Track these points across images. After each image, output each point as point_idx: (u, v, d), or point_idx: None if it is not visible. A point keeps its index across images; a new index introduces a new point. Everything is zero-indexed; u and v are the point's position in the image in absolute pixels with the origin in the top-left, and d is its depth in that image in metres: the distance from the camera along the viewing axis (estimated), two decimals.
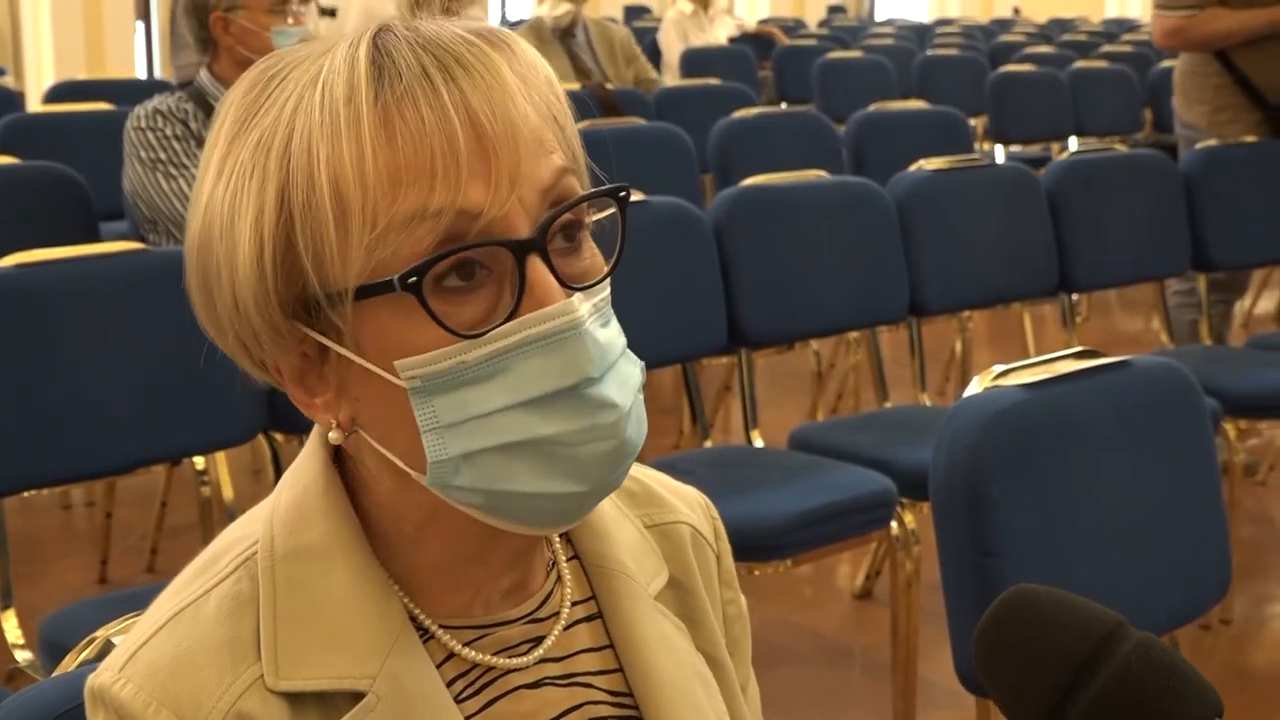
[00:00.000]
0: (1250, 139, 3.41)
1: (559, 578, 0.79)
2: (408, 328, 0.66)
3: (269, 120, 0.68)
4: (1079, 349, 1.61)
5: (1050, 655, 0.66)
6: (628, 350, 0.72)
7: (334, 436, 0.72)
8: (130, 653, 0.70)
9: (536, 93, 0.69)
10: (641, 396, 0.73)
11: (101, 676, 0.70)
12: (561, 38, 4.69)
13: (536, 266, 0.67)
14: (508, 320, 0.67)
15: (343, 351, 0.69)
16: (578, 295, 0.68)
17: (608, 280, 0.72)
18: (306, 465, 0.75)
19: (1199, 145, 3.39)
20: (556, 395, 0.67)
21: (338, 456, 0.75)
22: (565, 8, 4.66)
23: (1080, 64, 5.98)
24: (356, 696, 0.69)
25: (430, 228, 0.65)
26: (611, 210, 0.73)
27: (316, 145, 0.66)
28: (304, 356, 0.71)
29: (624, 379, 0.70)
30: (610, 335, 0.70)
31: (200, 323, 0.72)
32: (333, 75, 0.67)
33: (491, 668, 0.75)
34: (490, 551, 0.74)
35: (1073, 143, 5.38)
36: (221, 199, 0.69)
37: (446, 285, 0.66)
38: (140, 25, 8.22)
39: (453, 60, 0.67)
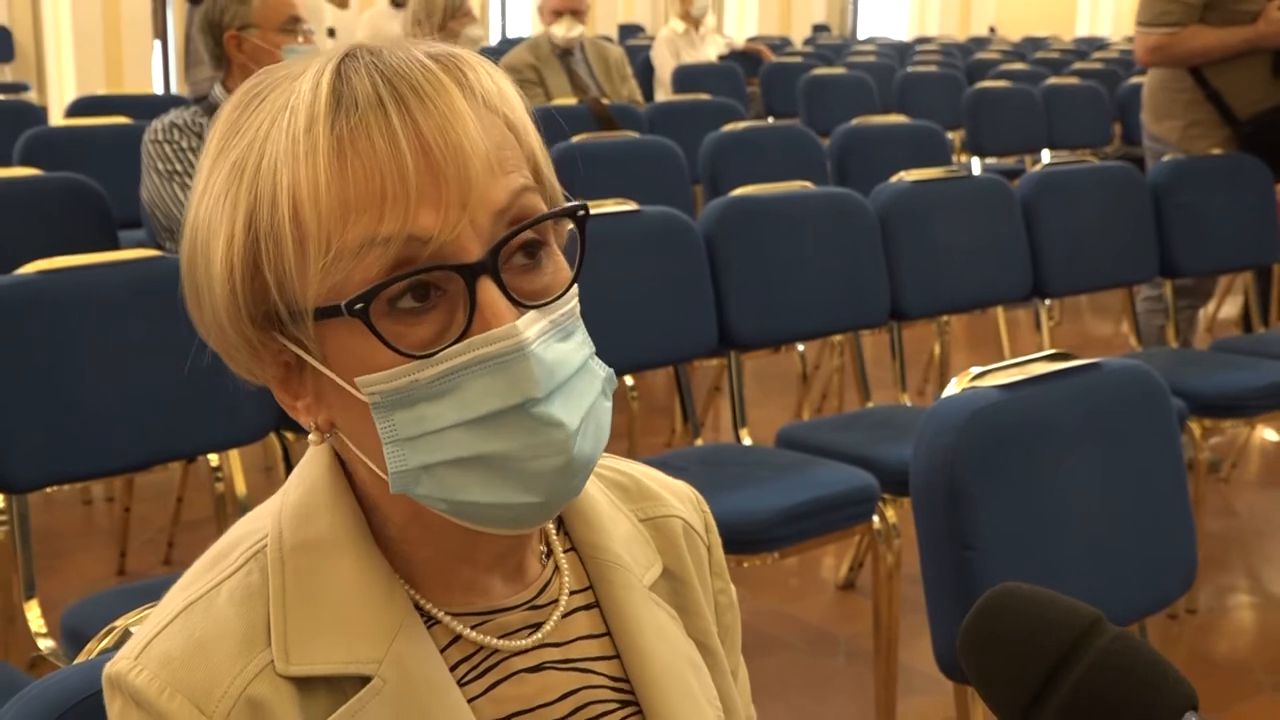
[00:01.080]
0: (1217, 152, 3.44)
1: (556, 567, 0.81)
2: (366, 346, 0.67)
3: (245, 143, 0.69)
4: (1052, 352, 1.63)
5: (1031, 648, 0.67)
6: (590, 362, 0.72)
7: (313, 439, 0.74)
8: (145, 642, 0.71)
9: (492, 117, 0.70)
10: (607, 404, 0.73)
11: (118, 664, 0.70)
12: (561, 56, 4.76)
13: (487, 288, 0.67)
14: (458, 341, 0.67)
15: (314, 364, 0.70)
16: (530, 315, 0.68)
17: (572, 293, 0.72)
18: (313, 463, 0.76)
19: (1166, 158, 3.42)
20: (503, 414, 0.68)
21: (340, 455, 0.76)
22: (579, 29, 4.75)
23: (1053, 80, 5.99)
24: (363, 680, 0.70)
25: (380, 254, 0.66)
26: (573, 226, 0.73)
27: (280, 171, 0.67)
28: (286, 365, 0.72)
29: (577, 395, 0.70)
30: (565, 351, 0.70)
31: (198, 330, 0.73)
32: (298, 102, 0.68)
33: (495, 651, 0.76)
34: (474, 550, 0.75)
35: (1045, 155, 5.38)
36: (204, 217, 0.70)
37: (401, 306, 0.67)
38: (157, 43, 8.20)
39: (407, 88, 0.67)
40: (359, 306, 0.66)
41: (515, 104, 0.72)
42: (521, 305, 0.69)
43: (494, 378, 0.67)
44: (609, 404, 0.74)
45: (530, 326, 0.68)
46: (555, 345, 0.70)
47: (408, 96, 0.67)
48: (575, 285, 0.73)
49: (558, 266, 0.72)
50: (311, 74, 0.69)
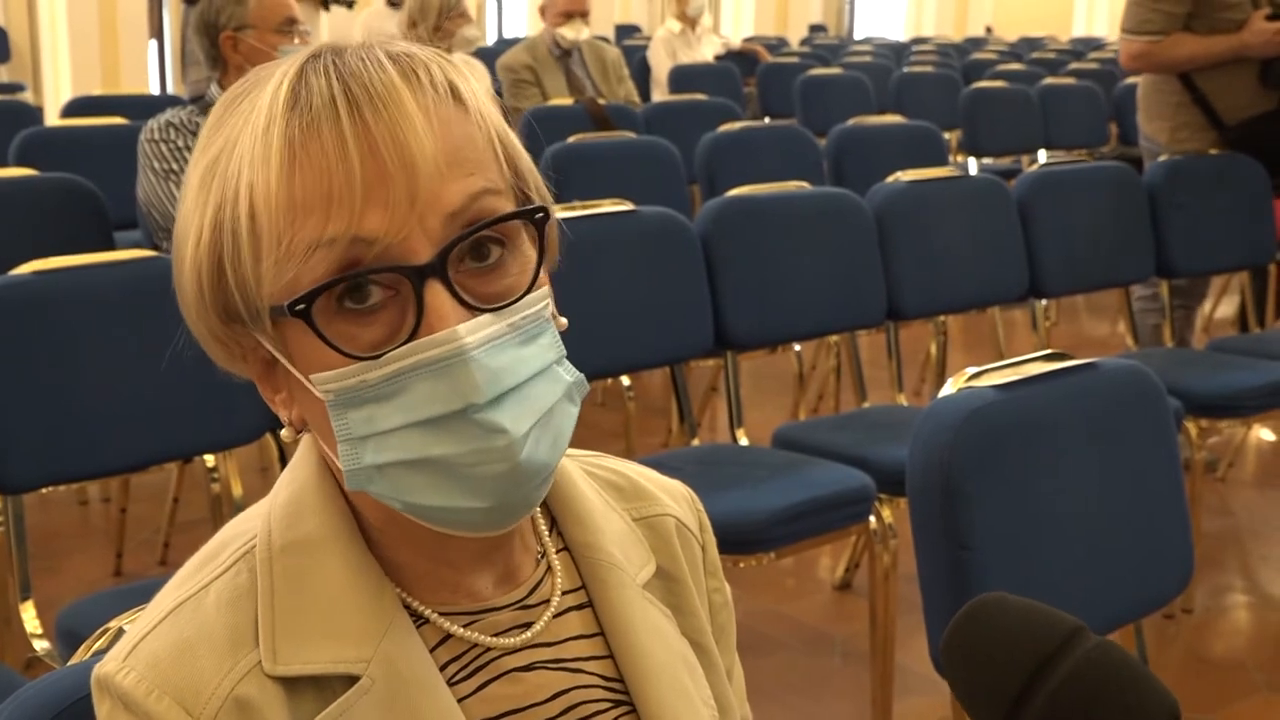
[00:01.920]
0: (1214, 151, 3.44)
1: (549, 568, 0.80)
2: (319, 345, 0.68)
3: (220, 142, 0.70)
4: (1049, 351, 1.63)
5: (1011, 656, 0.67)
6: (555, 367, 0.71)
7: (285, 434, 0.74)
8: (134, 643, 0.71)
9: (451, 117, 0.69)
10: (572, 410, 0.72)
11: (106, 666, 0.70)
12: (559, 57, 4.78)
13: (435, 291, 0.67)
14: (406, 343, 0.67)
15: (280, 359, 0.71)
16: (483, 318, 0.68)
17: (539, 295, 0.71)
18: (302, 463, 0.76)
19: (1162, 158, 3.42)
20: (445, 418, 0.67)
21: None
22: (587, 31, 4.78)
23: (1049, 81, 6.00)
24: (351, 680, 0.70)
25: (324, 255, 0.66)
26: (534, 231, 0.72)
27: (242, 171, 0.68)
28: (264, 361, 0.73)
29: (530, 401, 0.69)
30: (521, 357, 0.69)
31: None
32: (263, 103, 0.68)
33: (485, 650, 0.76)
34: (447, 550, 0.74)
35: (1042, 155, 5.39)
36: (183, 216, 0.71)
37: (349, 307, 0.67)
38: (153, 44, 8.21)
39: (361, 90, 0.67)
40: (300, 308, 0.67)
41: (479, 102, 0.72)
42: (475, 308, 0.68)
43: (437, 381, 0.67)
44: (574, 409, 0.73)
45: (477, 331, 0.68)
46: (509, 350, 0.69)
47: (360, 98, 0.67)
48: (543, 289, 0.72)
49: (521, 267, 0.71)
50: (279, 74, 0.70)
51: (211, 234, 0.69)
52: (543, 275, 0.73)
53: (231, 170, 0.68)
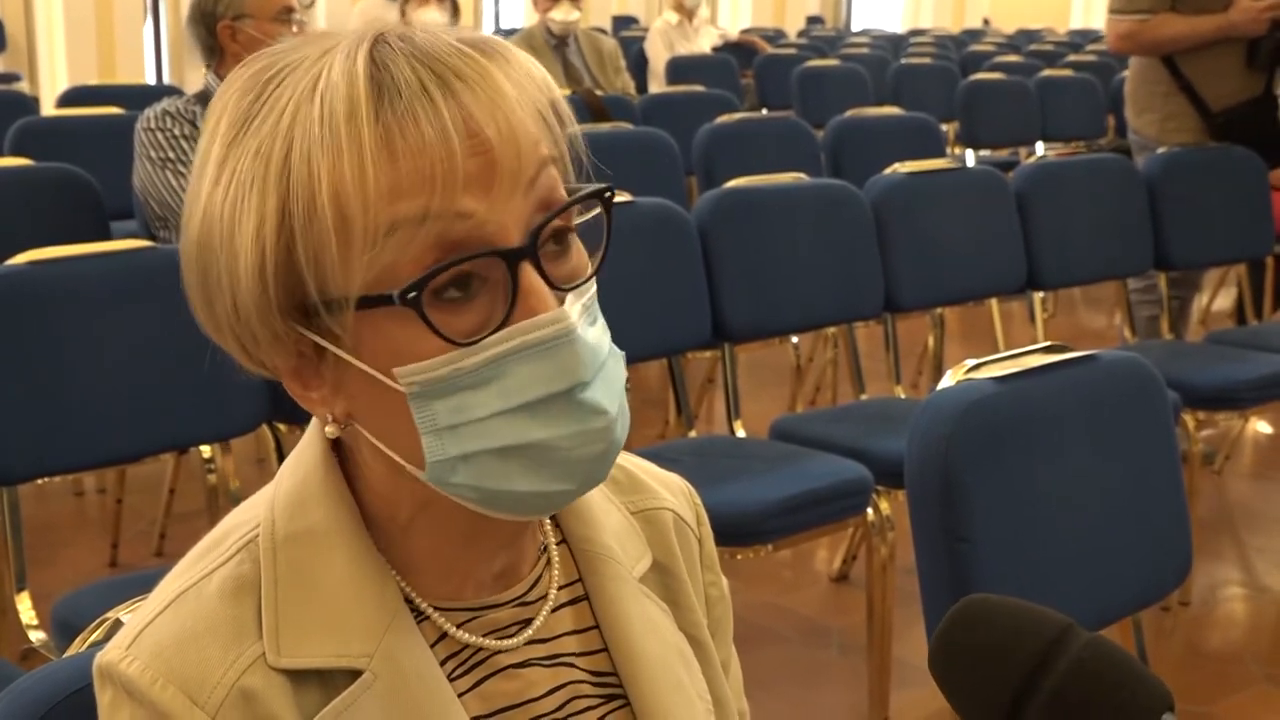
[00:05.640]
0: (1212, 143, 3.45)
1: (548, 561, 0.80)
2: (406, 336, 0.66)
3: (266, 129, 0.67)
4: (1047, 344, 1.62)
5: (1003, 659, 0.67)
6: (613, 346, 0.72)
7: (330, 430, 0.72)
8: (136, 632, 0.70)
9: (531, 98, 0.69)
10: (625, 391, 0.73)
11: (109, 655, 0.70)
12: (555, 47, 4.77)
13: (529, 274, 0.67)
14: (501, 327, 0.66)
15: (342, 355, 0.68)
16: (569, 297, 0.68)
17: (591, 278, 0.71)
18: (306, 453, 0.75)
19: (1160, 151, 3.42)
20: (550, 400, 0.67)
21: (336, 445, 0.75)
22: (576, 14, 4.75)
23: (1047, 73, 5.99)
24: (354, 674, 0.70)
25: (428, 230, 0.65)
26: (597, 210, 0.72)
27: (317, 161, 0.65)
28: (301, 355, 0.70)
29: (611, 381, 0.70)
30: (598, 334, 0.70)
31: (197, 320, 0.72)
32: (331, 90, 0.66)
33: (481, 648, 0.76)
34: (481, 537, 0.74)
35: (1039, 147, 5.41)
36: (220, 207, 0.68)
37: (446, 297, 0.66)
38: (150, 33, 8.21)
39: (450, 74, 0.66)
40: (412, 295, 0.65)
41: (552, 86, 0.72)
42: (557, 289, 0.68)
43: (540, 363, 0.67)
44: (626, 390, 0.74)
45: (573, 309, 0.68)
46: (589, 329, 0.69)
47: (452, 82, 0.66)
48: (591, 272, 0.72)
49: (580, 251, 0.72)
50: (341, 59, 0.67)
51: (279, 227, 0.66)
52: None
53: (298, 159, 0.65)
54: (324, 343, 0.69)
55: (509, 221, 0.67)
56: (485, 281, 0.67)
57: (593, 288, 0.71)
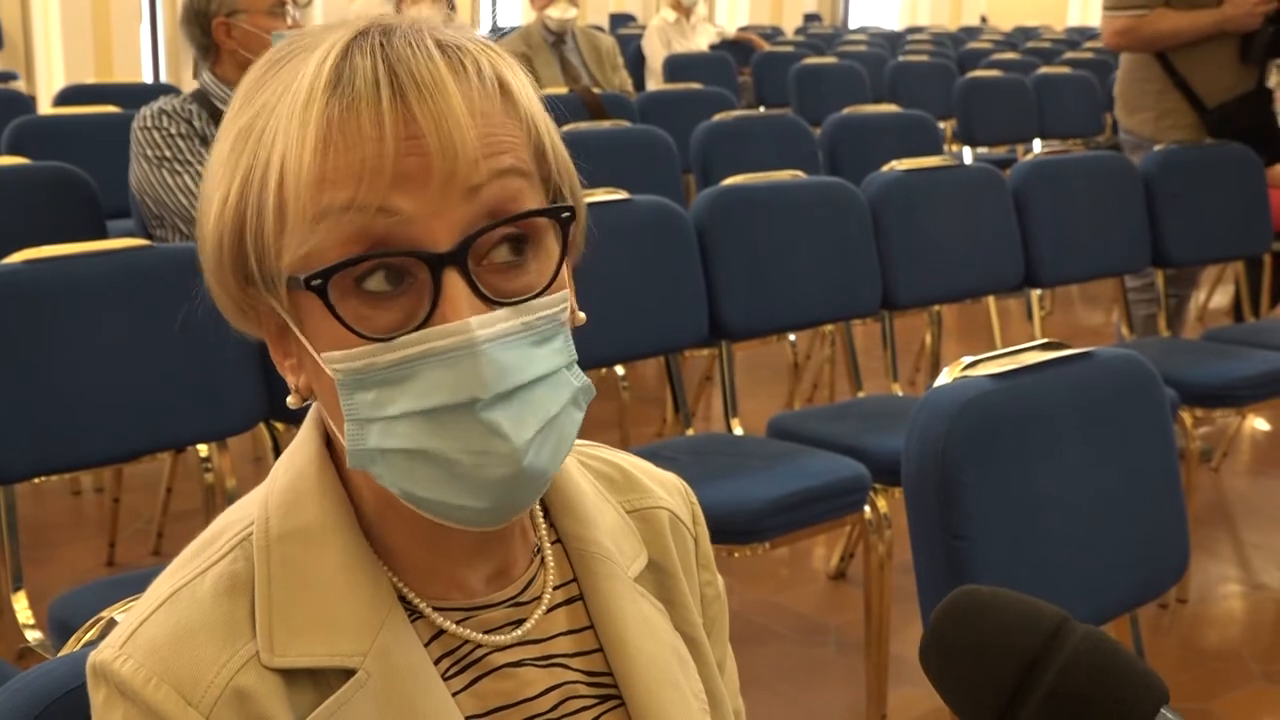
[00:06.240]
0: (1209, 141, 3.45)
1: (542, 562, 0.80)
2: (330, 324, 0.67)
3: (255, 107, 0.69)
4: (1044, 341, 1.62)
5: (998, 655, 0.66)
6: (564, 372, 0.70)
7: (291, 400, 0.74)
8: (130, 630, 0.70)
9: (492, 107, 0.69)
10: (577, 415, 0.71)
11: (102, 653, 0.69)
12: (553, 45, 4.76)
13: (452, 281, 0.66)
14: (417, 329, 0.67)
15: (293, 328, 0.71)
16: (499, 312, 0.67)
17: (557, 298, 0.70)
18: (301, 450, 0.76)
19: (1156, 148, 3.42)
20: (449, 410, 0.67)
21: (330, 442, 0.75)
22: (574, 12, 4.75)
23: (1044, 70, 6.00)
24: (348, 673, 0.70)
25: (346, 222, 0.66)
26: (552, 225, 0.71)
27: (276, 141, 0.67)
28: (277, 324, 0.72)
29: (534, 405, 0.68)
30: (531, 356, 0.69)
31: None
32: (304, 75, 0.68)
33: (477, 646, 0.76)
34: (444, 542, 0.74)
35: (1037, 145, 5.43)
36: (210, 176, 0.71)
37: (368, 288, 0.67)
38: (146, 32, 8.21)
39: (406, 75, 0.67)
40: (317, 282, 0.66)
41: (528, 97, 0.72)
42: (492, 301, 0.68)
43: (444, 371, 0.67)
44: (579, 415, 0.72)
45: (490, 325, 0.67)
46: (521, 347, 0.68)
47: (406, 86, 0.67)
48: (562, 291, 0.71)
49: (543, 268, 0.71)
50: (323, 48, 0.69)
51: (238, 198, 0.69)
52: (563, 276, 0.72)
53: (266, 138, 0.68)
54: (282, 314, 0.71)
55: (440, 225, 0.67)
56: (416, 280, 0.68)
57: (549, 309, 0.70)
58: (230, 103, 0.73)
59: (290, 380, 0.74)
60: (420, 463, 0.68)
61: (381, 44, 0.68)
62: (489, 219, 0.68)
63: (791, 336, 3.57)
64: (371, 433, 0.69)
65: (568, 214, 0.71)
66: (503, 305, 0.68)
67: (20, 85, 6.23)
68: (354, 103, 0.66)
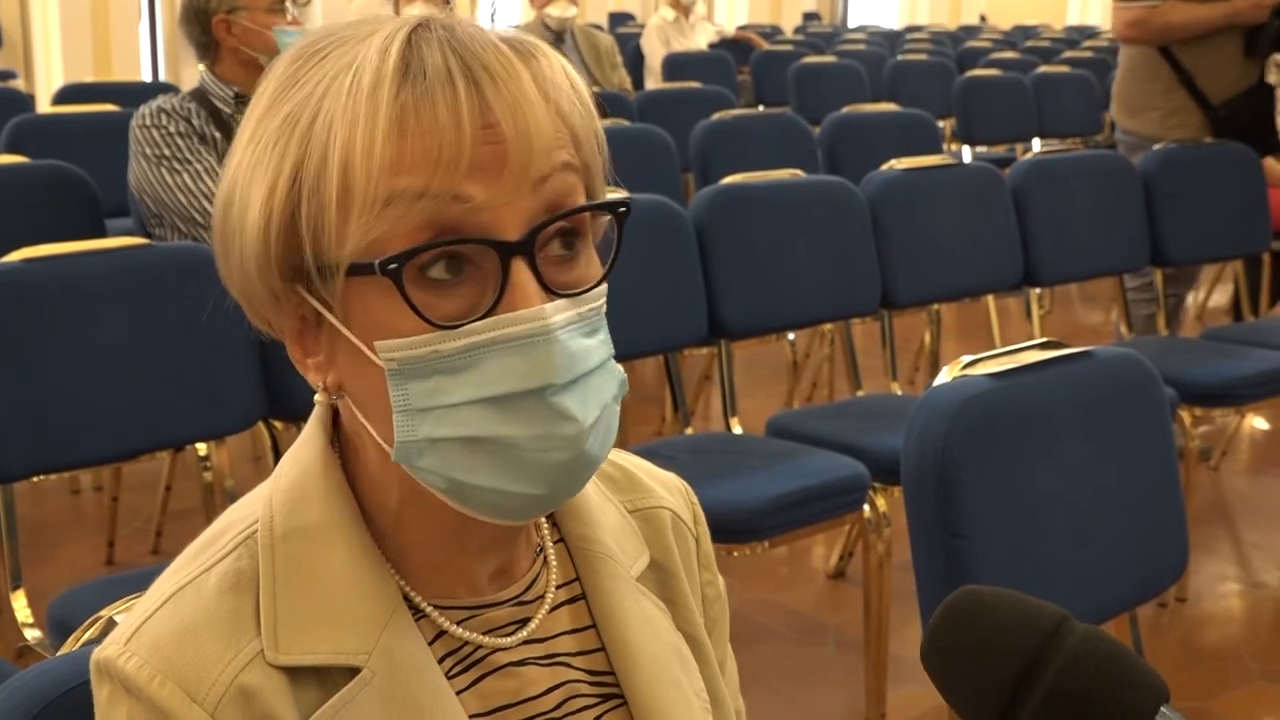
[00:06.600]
0: (1209, 140, 3.45)
1: (545, 561, 0.80)
2: (390, 311, 0.67)
3: (301, 96, 0.69)
4: (1044, 340, 1.62)
5: (998, 654, 0.66)
6: (611, 363, 0.72)
7: (320, 398, 0.73)
8: (135, 627, 0.70)
9: (557, 105, 0.69)
10: (616, 408, 0.73)
11: (107, 650, 0.69)
12: (552, 43, 4.76)
13: (520, 269, 0.67)
14: (485, 317, 0.67)
15: (333, 322, 0.70)
16: (561, 302, 0.68)
17: (601, 290, 0.72)
18: (306, 448, 0.75)
19: (1156, 147, 3.42)
20: (519, 396, 0.67)
21: (335, 440, 0.75)
22: (573, 10, 4.75)
23: (1043, 69, 6.01)
24: (352, 671, 0.70)
25: (423, 208, 0.66)
26: (609, 218, 0.73)
27: (336, 128, 0.67)
28: (302, 319, 0.72)
29: (594, 392, 0.70)
30: (588, 346, 0.70)
31: (220, 277, 0.73)
32: (364, 64, 0.67)
33: (480, 646, 0.76)
34: (467, 535, 0.74)
35: (1036, 144, 5.43)
36: (246, 164, 0.70)
37: (432, 276, 0.67)
38: (145, 30, 8.21)
39: (479, 66, 0.67)
40: (393, 267, 0.66)
41: (584, 93, 0.73)
42: (551, 292, 0.69)
43: (515, 358, 0.67)
44: (618, 408, 0.73)
45: (557, 314, 0.68)
46: (580, 338, 0.69)
47: (479, 75, 0.67)
48: (605, 284, 0.72)
49: (590, 261, 0.72)
50: (381, 39, 0.68)
51: (290, 187, 0.68)
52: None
53: (320, 125, 0.67)
54: (321, 309, 0.70)
55: (510, 214, 0.67)
56: (478, 269, 0.68)
57: (597, 300, 0.71)
58: (256, 98, 0.72)
59: (315, 379, 0.73)
60: (479, 450, 0.68)
61: (448, 37, 0.69)
62: (548, 212, 0.69)
63: (791, 335, 3.57)
64: (426, 422, 0.68)
65: (624, 208, 0.72)
66: (561, 296, 0.69)
67: (19, 84, 6.23)
68: (428, 90, 0.66)
